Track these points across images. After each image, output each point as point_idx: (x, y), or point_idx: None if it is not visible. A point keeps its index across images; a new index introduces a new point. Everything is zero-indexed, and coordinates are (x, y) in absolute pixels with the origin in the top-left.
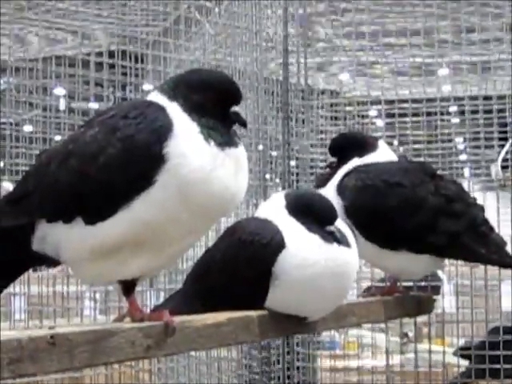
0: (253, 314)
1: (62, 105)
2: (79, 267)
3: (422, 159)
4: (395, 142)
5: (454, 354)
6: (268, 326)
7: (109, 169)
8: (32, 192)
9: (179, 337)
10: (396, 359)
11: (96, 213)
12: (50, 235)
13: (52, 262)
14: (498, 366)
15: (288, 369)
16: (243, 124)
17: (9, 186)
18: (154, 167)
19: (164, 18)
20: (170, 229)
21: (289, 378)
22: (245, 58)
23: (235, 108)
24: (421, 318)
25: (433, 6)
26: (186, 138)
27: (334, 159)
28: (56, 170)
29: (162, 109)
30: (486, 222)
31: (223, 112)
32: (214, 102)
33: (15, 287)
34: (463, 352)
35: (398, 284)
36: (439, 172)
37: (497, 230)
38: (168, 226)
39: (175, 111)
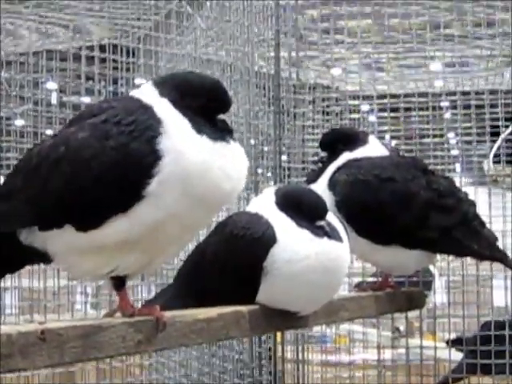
0: (244, 309)
1: (54, 99)
2: (69, 263)
3: (413, 154)
4: (387, 137)
5: (446, 342)
6: (259, 321)
7: (102, 179)
8: (20, 192)
9: (170, 332)
10: (387, 354)
11: (87, 222)
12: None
13: (45, 258)
14: (489, 362)
15: (278, 363)
16: (229, 132)
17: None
18: (149, 173)
19: (155, 12)
20: (169, 227)
21: (279, 372)
22: (236, 52)
23: (222, 116)
24: (412, 313)
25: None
26: (180, 137)
27: (324, 154)
28: (46, 175)
29: (151, 110)
30: (477, 217)
31: (211, 117)
32: (203, 108)
33: (6, 282)
34: (456, 346)
35: (390, 279)
36: (431, 167)
37: (488, 226)
38: (168, 225)
39: (166, 108)
